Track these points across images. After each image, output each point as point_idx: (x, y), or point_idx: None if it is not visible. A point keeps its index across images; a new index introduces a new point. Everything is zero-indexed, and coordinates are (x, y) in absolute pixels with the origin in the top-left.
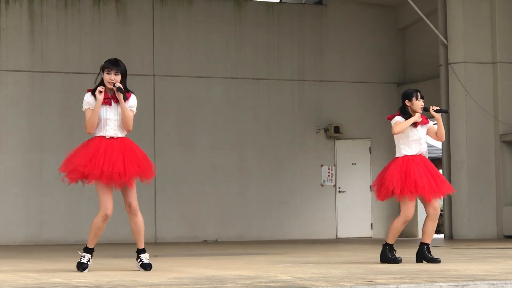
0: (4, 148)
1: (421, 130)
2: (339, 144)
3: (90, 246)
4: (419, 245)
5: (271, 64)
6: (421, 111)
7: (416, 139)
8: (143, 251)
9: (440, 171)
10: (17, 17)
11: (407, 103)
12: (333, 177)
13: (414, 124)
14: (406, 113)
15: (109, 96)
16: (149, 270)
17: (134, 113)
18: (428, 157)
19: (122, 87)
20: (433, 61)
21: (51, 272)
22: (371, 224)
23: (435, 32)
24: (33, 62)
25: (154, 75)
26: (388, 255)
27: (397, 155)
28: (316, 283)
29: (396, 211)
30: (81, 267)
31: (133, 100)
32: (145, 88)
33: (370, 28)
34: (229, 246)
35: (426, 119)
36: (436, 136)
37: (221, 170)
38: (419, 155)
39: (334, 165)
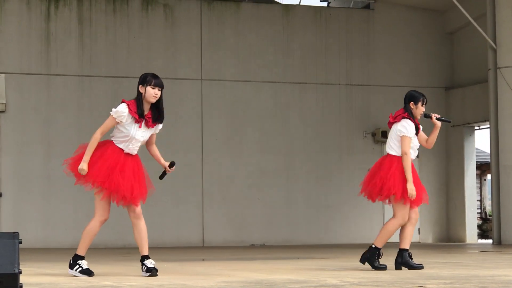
0: (53, 153)
1: (416, 139)
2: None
3: (82, 253)
4: (398, 252)
5: (318, 69)
6: (419, 117)
7: (415, 145)
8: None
9: (488, 176)
10: (67, 21)
11: (412, 105)
12: None
13: (417, 132)
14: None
15: (145, 115)
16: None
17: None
18: (476, 161)
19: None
20: (482, 66)
21: (101, 275)
22: (419, 229)
23: (483, 36)
24: (82, 67)
25: (202, 79)
26: (373, 262)
27: (393, 153)
28: (366, 287)
29: (444, 216)
30: (88, 273)
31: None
32: (193, 92)
33: (418, 32)
34: (277, 250)
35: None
36: (426, 143)
37: (268, 174)
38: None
39: None
